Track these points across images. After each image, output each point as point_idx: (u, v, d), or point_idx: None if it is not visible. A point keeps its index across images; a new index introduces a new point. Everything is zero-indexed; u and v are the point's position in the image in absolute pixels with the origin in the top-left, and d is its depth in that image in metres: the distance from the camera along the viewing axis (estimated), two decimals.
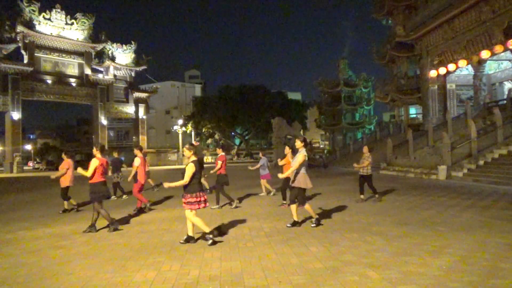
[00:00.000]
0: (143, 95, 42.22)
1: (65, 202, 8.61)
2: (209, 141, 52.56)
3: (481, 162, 15.03)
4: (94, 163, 6.21)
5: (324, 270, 3.97)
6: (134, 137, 43.55)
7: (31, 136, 66.76)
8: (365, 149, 9.01)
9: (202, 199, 5.17)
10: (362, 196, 9.02)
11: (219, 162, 8.70)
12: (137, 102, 41.34)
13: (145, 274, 3.99)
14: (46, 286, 3.75)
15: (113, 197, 10.71)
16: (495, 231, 5.65)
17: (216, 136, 50.38)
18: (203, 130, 49.80)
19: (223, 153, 9.05)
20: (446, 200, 9.14)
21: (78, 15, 35.61)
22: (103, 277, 3.95)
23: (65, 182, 8.52)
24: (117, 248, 5.13)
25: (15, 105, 32.04)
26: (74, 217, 7.97)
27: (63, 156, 8.75)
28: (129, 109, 40.58)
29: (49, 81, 34.49)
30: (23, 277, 4.03)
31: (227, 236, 5.75)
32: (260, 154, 11.32)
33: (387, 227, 6.09)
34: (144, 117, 42.58)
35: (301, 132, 32.58)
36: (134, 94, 40.89)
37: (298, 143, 6.17)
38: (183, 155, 8.15)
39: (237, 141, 59.35)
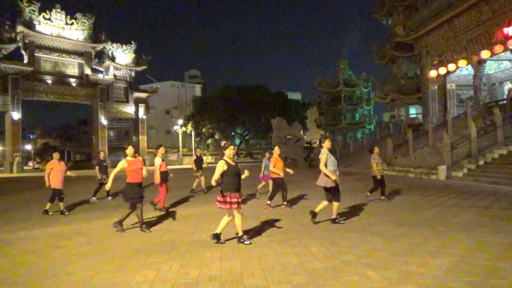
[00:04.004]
0: (143, 95, 42.20)
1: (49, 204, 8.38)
2: (209, 141, 52.47)
3: (481, 162, 15.02)
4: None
5: (324, 270, 3.97)
6: (134, 137, 43.51)
7: (31, 136, 66.61)
8: (376, 149, 9.19)
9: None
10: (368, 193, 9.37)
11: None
12: (137, 102, 41.31)
13: (145, 274, 3.99)
14: (46, 286, 3.75)
15: (109, 198, 10.75)
16: (495, 231, 5.66)
17: (216, 136, 50.27)
18: (203, 130, 49.72)
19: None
20: (446, 200, 9.14)
21: (78, 15, 35.56)
22: (103, 277, 3.95)
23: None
24: (117, 248, 5.13)
25: (15, 105, 32.00)
26: (74, 217, 7.97)
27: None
28: (129, 109, 40.55)
29: (49, 81, 34.46)
30: (23, 277, 4.03)
31: (227, 236, 5.74)
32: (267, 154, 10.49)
33: (387, 227, 6.09)
34: (144, 117, 42.55)
35: (301, 132, 32.52)
36: (134, 94, 40.88)
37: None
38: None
39: (237, 141, 59.36)
